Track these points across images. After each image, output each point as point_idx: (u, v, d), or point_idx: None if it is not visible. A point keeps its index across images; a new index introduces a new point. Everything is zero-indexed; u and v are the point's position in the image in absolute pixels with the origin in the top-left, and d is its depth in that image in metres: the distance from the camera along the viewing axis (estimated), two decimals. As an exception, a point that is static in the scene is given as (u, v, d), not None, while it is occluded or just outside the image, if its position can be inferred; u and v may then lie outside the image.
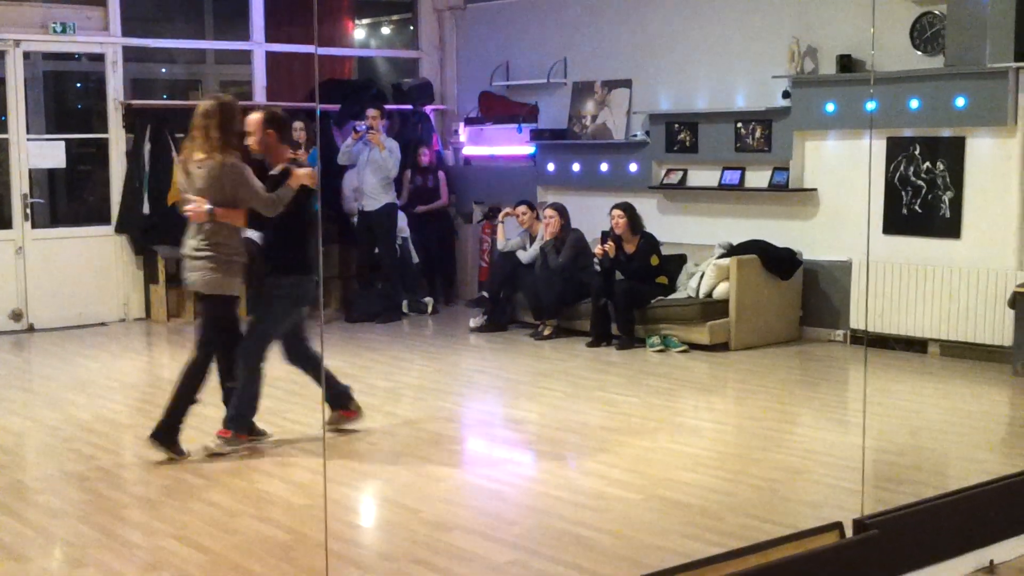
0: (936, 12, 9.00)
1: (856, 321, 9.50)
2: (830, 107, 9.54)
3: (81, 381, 8.46)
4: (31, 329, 10.64)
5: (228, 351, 6.39)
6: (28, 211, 10.63)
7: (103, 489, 5.77)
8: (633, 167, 10.99)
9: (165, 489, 5.75)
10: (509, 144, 12.08)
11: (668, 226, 10.63)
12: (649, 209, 10.65)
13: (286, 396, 7.85)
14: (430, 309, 11.49)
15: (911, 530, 4.32)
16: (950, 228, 9.02)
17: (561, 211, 10.22)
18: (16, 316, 10.61)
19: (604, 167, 11.26)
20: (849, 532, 4.22)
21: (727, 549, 4.24)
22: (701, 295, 9.65)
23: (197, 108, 6.36)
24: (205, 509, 5.42)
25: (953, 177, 8.97)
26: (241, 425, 6.42)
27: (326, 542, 4.75)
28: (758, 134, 10.10)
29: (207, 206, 6.17)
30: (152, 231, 10.98)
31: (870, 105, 9.34)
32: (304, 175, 6.32)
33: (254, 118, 6.42)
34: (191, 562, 4.74)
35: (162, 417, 6.23)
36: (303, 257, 6.43)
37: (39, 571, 4.72)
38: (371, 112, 11.10)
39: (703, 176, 10.60)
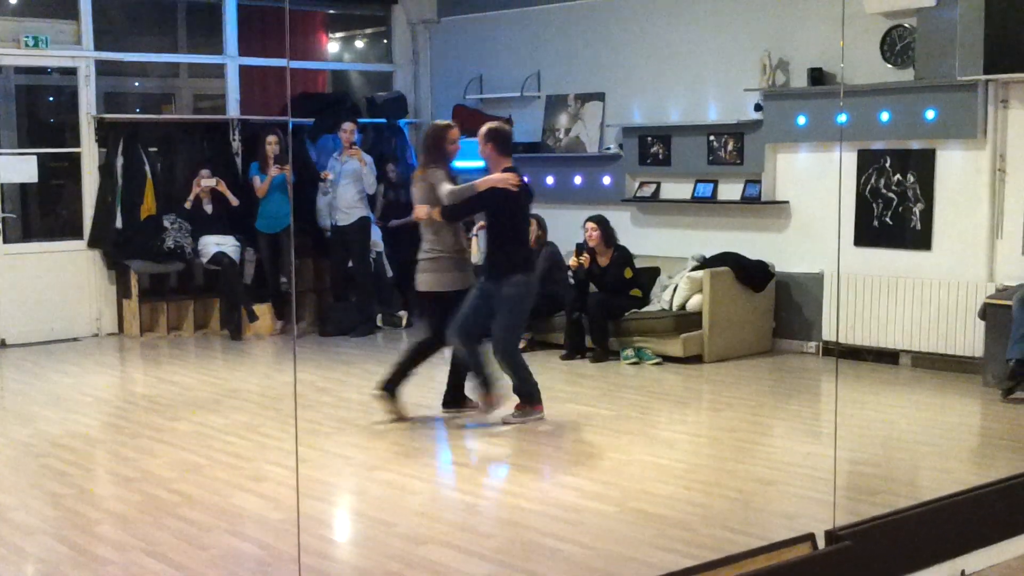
0: (906, 25, 9.09)
1: (828, 333, 9.55)
2: (801, 120, 9.61)
3: (54, 397, 8.40)
4: (3, 344, 10.56)
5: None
6: (0, 226, 10.57)
7: (76, 505, 5.74)
8: (606, 180, 11.03)
9: (138, 505, 5.72)
10: (483, 157, 12.06)
11: (641, 238, 10.68)
12: (622, 222, 10.69)
13: (259, 411, 7.84)
14: (404, 323, 11.47)
15: (883, 541, 4.33)
16: (921, 240, 9.10)
17: (538, 223, 10.22)
18: (-13, 331, 10.55)
19: (578, 180, 11.30)
20: (821, 543, 4.23)
21: (700, 561, 4.25)
22: (674, 307, 9.68)
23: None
24: (178, 525, 5.39)
25: (924, 189, 9.05)
26: (531, 399, 7.50)
27: (299, 557, 4.74)
28: (730, 147, 10.16)
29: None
30: (125, 246, 10.90)
31: (841, 118, 9.40)
32: (492, 179, 7.30)
33: (480, 132, 7.58)
34: (164, 578, 4.73)
35: (390, 373, 7.49)
36: (523, 259, 7.41)
37: (10, 588, 4.70)
38: (347, 126, 11.10)
39: (676, 189, 10.65)
